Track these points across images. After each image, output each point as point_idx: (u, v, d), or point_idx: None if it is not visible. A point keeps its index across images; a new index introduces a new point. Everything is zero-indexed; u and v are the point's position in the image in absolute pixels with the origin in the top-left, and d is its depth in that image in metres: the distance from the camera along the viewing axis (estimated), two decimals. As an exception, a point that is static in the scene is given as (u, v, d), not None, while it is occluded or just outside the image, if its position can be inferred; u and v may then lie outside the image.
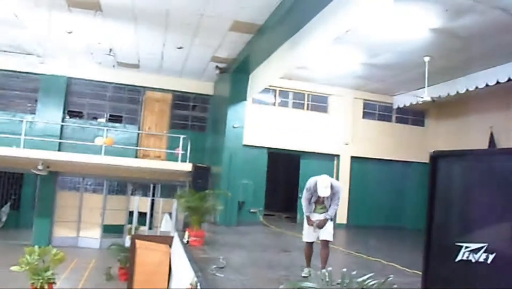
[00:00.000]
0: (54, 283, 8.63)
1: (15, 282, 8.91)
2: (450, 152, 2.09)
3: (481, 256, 1.81)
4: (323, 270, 2.10)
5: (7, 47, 12.24)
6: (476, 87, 11.14)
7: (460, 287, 1.87)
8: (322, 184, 5.47)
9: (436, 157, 2.10)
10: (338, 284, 2.07)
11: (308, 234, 5.81)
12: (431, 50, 9.77)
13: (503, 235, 1.76)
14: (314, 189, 5.55)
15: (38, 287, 8.32)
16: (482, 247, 1.81)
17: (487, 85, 10.78)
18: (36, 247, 8.71)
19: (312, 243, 5.83)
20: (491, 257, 1.77)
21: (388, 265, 7.36)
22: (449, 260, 1.92)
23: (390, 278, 2.22)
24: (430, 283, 2.01)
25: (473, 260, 1.83)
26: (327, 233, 5.66)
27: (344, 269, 2.64)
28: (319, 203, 5.72)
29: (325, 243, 5.69)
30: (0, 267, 9.80)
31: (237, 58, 11.45)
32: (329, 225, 5.67)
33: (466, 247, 1.86)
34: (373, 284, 1.97)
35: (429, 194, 2.05)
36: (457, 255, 1.89)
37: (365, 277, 2.16)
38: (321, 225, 5.62)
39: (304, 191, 5.80)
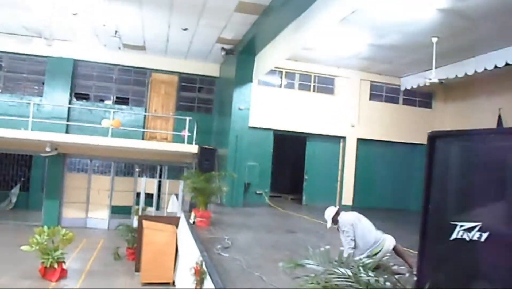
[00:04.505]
0: (63, 262, 8.82)
1: (25, 261, 9.11)
2: (447, 132, 2.11)
3: (475, 235, 1.84)
4: (322, 248, 2.14)
5: (14, 29, 12.26)
6: (485, 69, 10.98)
7: (454, 264, 1.91)
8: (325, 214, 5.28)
9: (434, 136, 2.12)
10: (336, 261, 2.11)
11: None
12: (439, 31, 9.61)
13: (496, 214, 1.79)
14: None
15: (48, 266, 8.51)
16: (476, 226, 1.84)
17: (496, 66, 10.63)
18: (46, 227, 8.87)
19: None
20: (484, 235, 1.80)
21: (392, 246, 7.42)
22: (444, 239, 1.96)
23: (387, 257, 2.26)
24: (425, 261, 2.05)
25: (467, 239, 1.86)
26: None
27: (342, 248, 2.70)
28: None
29: None
30: (10, 247, 10.04)
31: (243, 39, 11.38)
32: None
33: (461, 226, 1.89)
34: (369, 263, 2.01)
35: (426, 173, 2.08)
36: (451, 234, 1.92)
37: (362, 256, 2.21)
38: None
39: None
